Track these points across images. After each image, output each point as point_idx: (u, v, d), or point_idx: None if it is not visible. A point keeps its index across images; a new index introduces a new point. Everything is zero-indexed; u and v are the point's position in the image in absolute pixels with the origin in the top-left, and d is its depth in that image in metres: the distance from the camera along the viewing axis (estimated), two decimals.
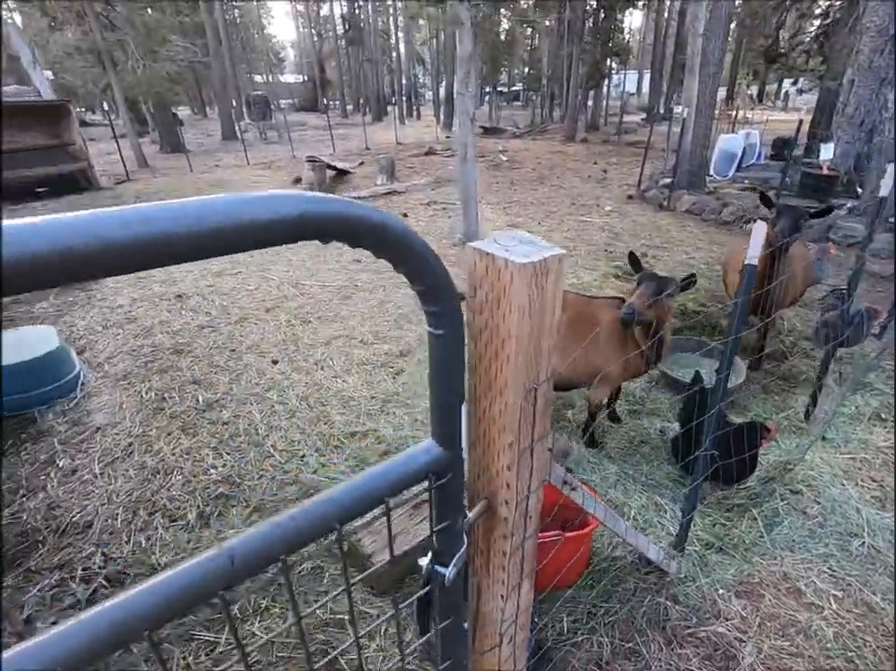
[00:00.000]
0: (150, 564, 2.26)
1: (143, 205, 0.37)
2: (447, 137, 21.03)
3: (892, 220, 5.73)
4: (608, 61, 22.16)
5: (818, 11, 11.50)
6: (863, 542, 2.28)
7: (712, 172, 9.34)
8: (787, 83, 35.14)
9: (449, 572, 0.93)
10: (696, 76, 7.84)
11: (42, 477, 2.82)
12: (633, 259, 2.60)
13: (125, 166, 12.08)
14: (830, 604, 2.03)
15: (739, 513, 2.46)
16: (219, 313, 4.81)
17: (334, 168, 11.29)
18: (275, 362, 3.91)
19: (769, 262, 3.01)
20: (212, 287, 5.42)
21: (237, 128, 18.79)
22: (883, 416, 3.14)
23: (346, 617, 2.03)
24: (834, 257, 4.57)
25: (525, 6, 25.82)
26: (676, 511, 2.45)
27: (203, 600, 0.51)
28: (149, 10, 16.02)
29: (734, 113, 12.50)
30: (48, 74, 14.47)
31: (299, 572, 2.23)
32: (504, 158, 13.99)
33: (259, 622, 2.03)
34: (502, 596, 1.06)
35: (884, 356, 3.71)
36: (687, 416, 2.51)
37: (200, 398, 3.46)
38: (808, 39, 10.86)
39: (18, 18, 18.35)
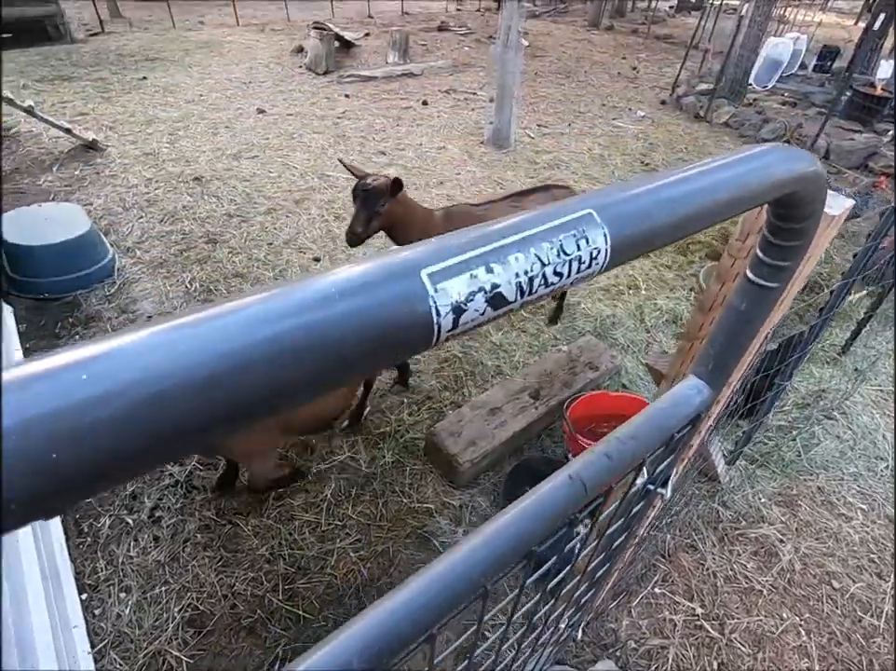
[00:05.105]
0: None
1: None
2: (457, 9, 18.73)
3: None
4: None
5: None
6: (888, 465, 2.54)
7: (751, 81, 8.68)
8: None
9: (668, 492, 1.02)
10: None
11: None
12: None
13: (98, 14, 10.54)
14: (857, 515, 2.32)
15: (780, 434, 2.68)
16: (244, 201, 4.55)
17: (341, 39, 10.09)
18: (317, 260, 3.82)
19: None
20: (231, 171, 5.06)
21: None
22: None
23: (432, 506, 2.24)
24: (883, 192, 4.50)
25: None
26: (723, 431, 2.65)
27: None
28: None
29: (783, 12, 11.34)
30: None
31: (381, 465, 2.40)
32: (525, 43, 12.66)
33: (353, 507, 2.22)
34: None
35: None
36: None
37: None
38: None
39: None
